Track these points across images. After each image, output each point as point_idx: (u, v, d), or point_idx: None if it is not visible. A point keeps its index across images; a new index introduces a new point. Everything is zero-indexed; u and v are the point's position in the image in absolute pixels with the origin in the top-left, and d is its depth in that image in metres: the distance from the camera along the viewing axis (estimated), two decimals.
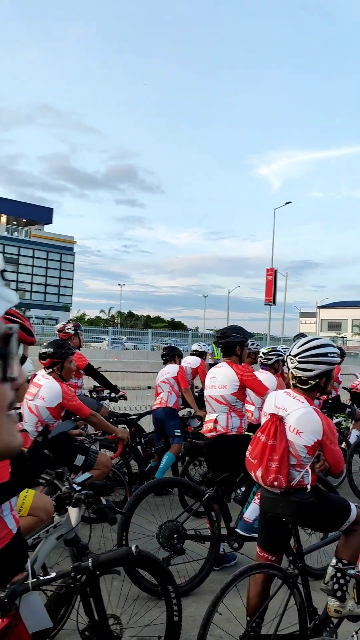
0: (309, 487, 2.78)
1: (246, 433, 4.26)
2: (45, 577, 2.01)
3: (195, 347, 8.36)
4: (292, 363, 2.86)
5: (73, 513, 2.39)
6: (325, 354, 2.83)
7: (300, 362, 2.83)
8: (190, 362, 7.92)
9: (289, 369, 2.92)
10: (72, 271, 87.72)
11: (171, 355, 6.62)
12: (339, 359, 2.97)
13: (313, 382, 2.84)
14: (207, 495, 3.96)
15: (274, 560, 2.89)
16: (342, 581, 2.69)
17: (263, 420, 2.93)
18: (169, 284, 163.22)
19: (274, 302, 36.02)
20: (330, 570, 2.74)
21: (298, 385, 2.88)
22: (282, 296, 44.49)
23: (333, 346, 2.92)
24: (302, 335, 11.67)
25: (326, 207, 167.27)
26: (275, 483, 2.75)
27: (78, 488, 2.37)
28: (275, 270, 35.93)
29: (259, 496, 3.13)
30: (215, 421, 4.27)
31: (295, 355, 2.85)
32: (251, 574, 2.72)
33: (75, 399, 4.28)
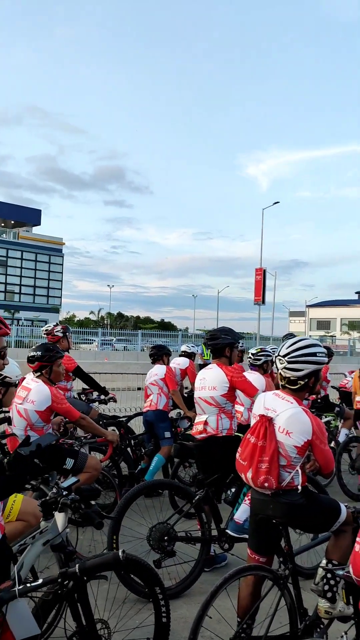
0: (299, 487, 2.79)
1: (236, 434, 4.26)
2: (32, 584, 1.99)
3: (184, 348, 8.35)
4: (281, 364, 2.87)
5: (59, 518, 2.37)
6: (313, 354, 2.85)
7: (289, 363, 2.84)
8: (179, 363, 7.91)
9: (277, 370, 2.92)
10: (61, 272, 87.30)
11: (159, 354, 6.56)
12: (326, 359, 2.99)
13: (302, 382, 2.85)
14: (197, 496, 3.96)
15: (265, 562, 2.88)
16: (332, 582, 2.69)
17: (252, 422, 2.93)
18: (159, 284, 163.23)
19: (263, 302, 36.14)
20: (320, 571, 2.74)
21: (287, 385, 2.89)
22: (271, 296, 44.71)
23: (321, 346, 2.94)
24: (291, 335, 11.74)
25: (314, 207, 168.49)
26: (266, 484, 2.74)
27: (65, 493, 2.35)
28: (264, 270, 36.06)
29: (249, 497, 3.13)
30: (205, 423, 4.27)
31: (284, 356, 2.86)
32: (242, 576, 2.72)
33: (64, 402, 4.26)
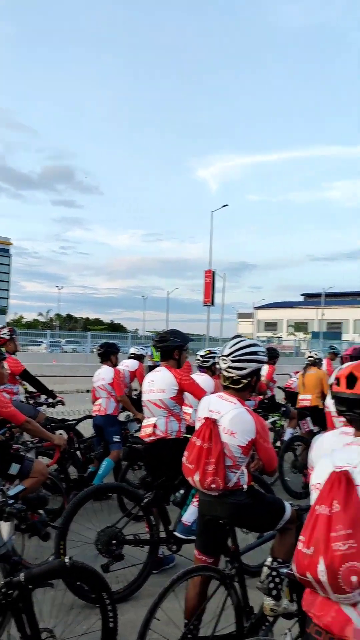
0: (245, 487, 2.85)
1: (185, 436, 4.29)
2: None
3: (133, 350, 8.33)
4: (225, 363, 2.94)
5: (5, 528, 2.32)
6: (255, 352, 2.96)
7: (233, 362, 2.92)
8: (128, 365, 7.88)
9: (221, 370, 3.00)
10: (8, 273, 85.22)
11: (107, 352, 6.37)
12: (266, 358, 3.11)
13: (245, 381, 2.94)
14: (146, 499, 3.96)
15: (212, 562, 2.92)
16: (277, 580, 2.75)
17: (198, 425, 2.97)
18: (108, 285, 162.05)
19: (213, 304, 36.53)
20: (265, 570, 2.80)
21: (230, 386, 2.97)
22: (220, 297, 45.17)
23: (261, 346, 3.07)
24: (239, 336, 11.95)
25: (262, 210, 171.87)
26: (213, 485, 2.78)
27: (11, 502, 2.29)
28: (214, 272, 36.43)
29: (198, 499, 3.17)
30: (154, 426, 4.27)
31: (227, 355, 2.94)
32: (189, 577, 2.74)
33: (9, 405, 4.16)
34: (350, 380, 1.84)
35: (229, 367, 2.93)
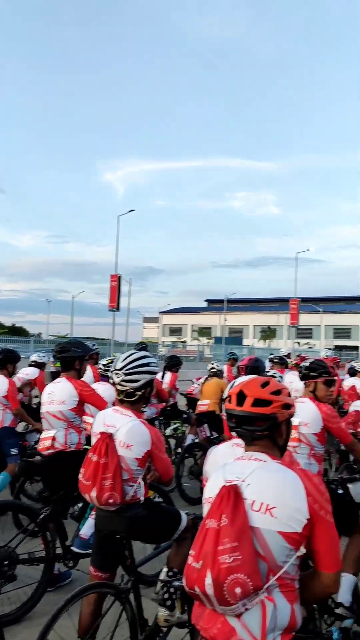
0: (142, 499, 2.88)
1: (85, 447, 4.24)
2: None
3: (34, 358, 8.11)
4: (118, 377, 2.98)
5: None
6: (147, 364, 3.04)
7: (126, 375, 2.97)
8: (28, 373, 7.65)
9: (114, 384, 3.02)
10: None
11: (4, 361, 5.91)
12: (158, 369, 3.19)
13: (139, 393, 3.01)
14: (42, 515, 3.86)
15: (107, 578, 2.92)
16: (171, 590, 2.81)
17: (93, 440, 2.97)
18: (10, 287, 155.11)
19: (118, 308, 36.36)
20: (160, 583, 2.84)
21: (125, 399, 3.01)
22: (126, 302, 45.17)
23: (152, 357, 3.17)
24: (143, 343, 12.02)
25: (169, 216, 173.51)
26: (111, 500, 2.79)
27: None
28: (120, 277, 36.30)
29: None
30: (53, 438, 4.18)
31: (120, 369, 2.98)
32: (84, 595, 2.71)
33: None
34: (240, 397, 1.93)
35: (123, 381, 2.98)
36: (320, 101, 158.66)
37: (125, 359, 3.02)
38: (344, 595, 3.10)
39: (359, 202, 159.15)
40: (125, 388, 2.98)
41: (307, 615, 2.44)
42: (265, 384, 1.95)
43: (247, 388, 1.94)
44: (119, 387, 3.00)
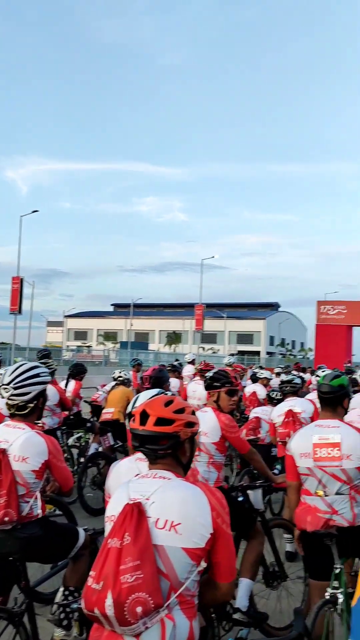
0: (40, 514, 2.77)
1: None
2: None
3: None
4: (7, 392, 2.87)
5: None
6: (37, 375, 2.94)
7: (15, 389, 2.86)
8: None
9: (3, 398, 2.90)
10: None
11: None
12: (50, 378, 3.10)
13: (31, 405, 2.91)
14: None
15: (0, 602, 2.76)
16: (68, 610, 2.72)
17: None
18: None
19: (20, 311, 34.95)
20: (56, 605, 2.74)
21: (17, 413, 2.90)
22: (29, 304, 43.61)
23: (42, 367, 3.06)
24: (45, 349, 11.64)
25: (74, 218, 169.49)
26: (6, 519, 2.67)
27: None
28: (22, 279, 34.96)
29: None
30: None
31: (8, 384, 2.86)
32: None
33: None
34: (143, 417, 1.90)
35: (12, 395, 2.87)
36: (227, 110, 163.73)
37: (12, 372, 2.90)
38: (241, 601, 3.18)
39: (262, 211, 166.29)
40: (15, 402, 2.88)
41: (205, 622, 2.47)
42: (168, 403, 1.94)
43: (150, 407, 1.93)
44: (9, 402, 2.90)
